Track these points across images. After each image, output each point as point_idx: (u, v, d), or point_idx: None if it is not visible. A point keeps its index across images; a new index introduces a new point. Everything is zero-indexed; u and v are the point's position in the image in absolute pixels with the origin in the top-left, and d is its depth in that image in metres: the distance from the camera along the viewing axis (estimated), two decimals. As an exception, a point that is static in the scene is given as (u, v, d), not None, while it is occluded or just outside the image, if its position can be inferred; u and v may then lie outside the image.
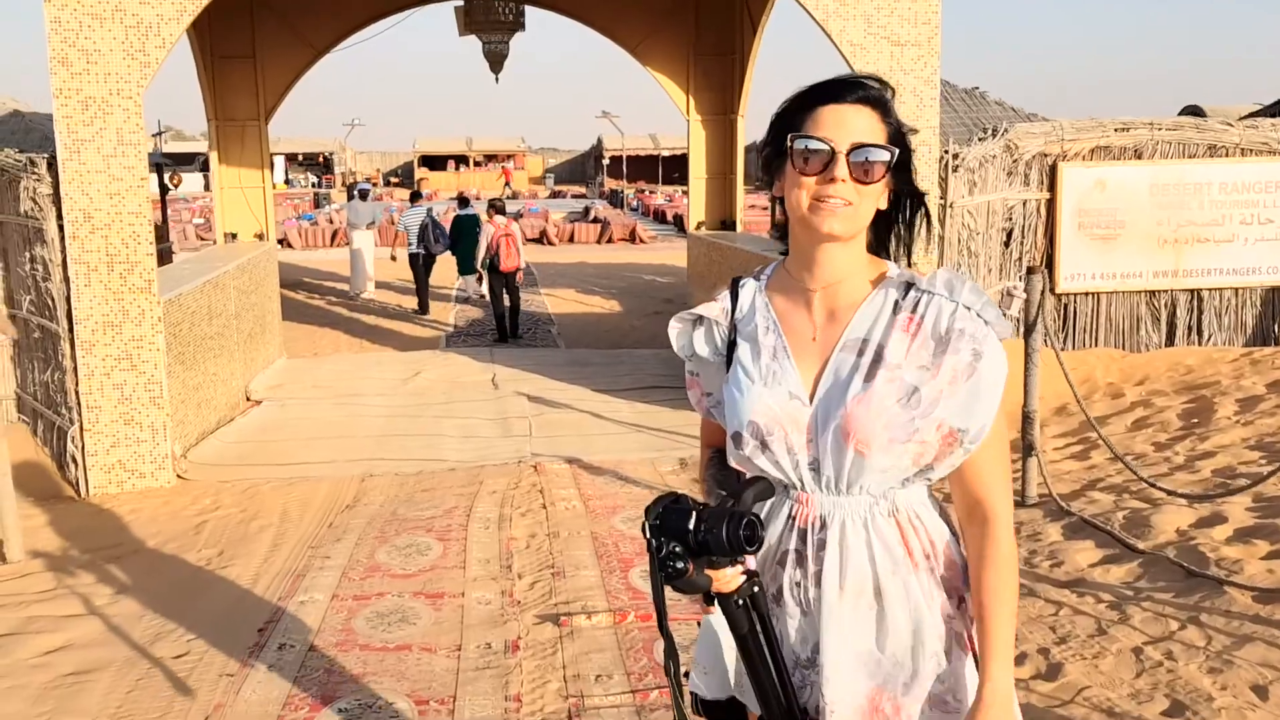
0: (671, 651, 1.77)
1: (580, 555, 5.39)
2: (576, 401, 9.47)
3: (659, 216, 35.37)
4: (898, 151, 1.80)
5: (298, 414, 9.22)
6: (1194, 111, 22.17)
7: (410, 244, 16.02)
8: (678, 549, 1.68)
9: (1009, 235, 8.99)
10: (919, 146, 7.76)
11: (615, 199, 44.54)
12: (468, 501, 6.46)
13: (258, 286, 10.69)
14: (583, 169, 69.90)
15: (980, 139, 8.57)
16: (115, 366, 7.13)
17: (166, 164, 19.01)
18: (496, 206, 14.19)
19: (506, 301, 13.60)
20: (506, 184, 53.96)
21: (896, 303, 1.84)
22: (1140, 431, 7.50)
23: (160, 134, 33.07)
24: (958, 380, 1.77)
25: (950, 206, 8.06)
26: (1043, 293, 6.00)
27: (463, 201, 17.05)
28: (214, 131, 11.43)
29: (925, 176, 7.78)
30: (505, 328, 13.52)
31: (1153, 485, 5.60)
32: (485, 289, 14.50)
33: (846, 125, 1.78)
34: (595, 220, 29.90)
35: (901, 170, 1.85)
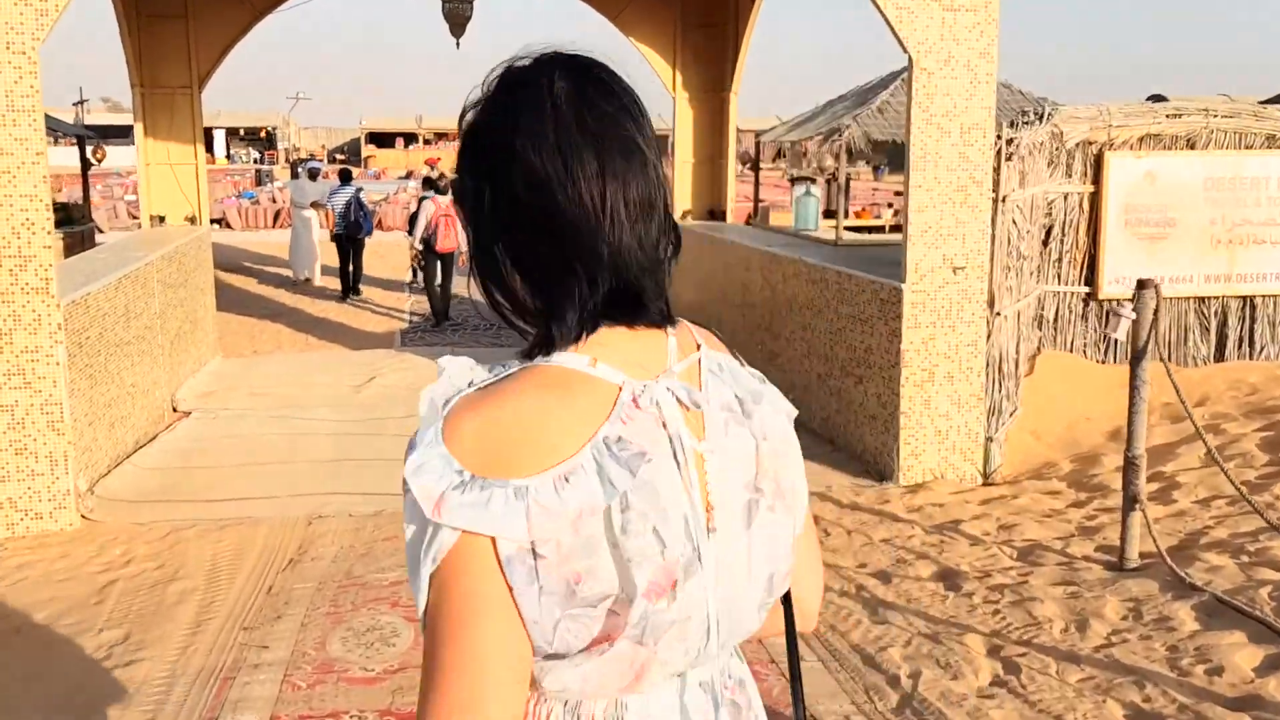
0: None
1: (594, 649, 4.20)
2: (556, 416, 8.24)
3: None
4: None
5: (231, 431, 7.91)
6: (1158, 99, 21.16)
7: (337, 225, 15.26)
8: None
9: (1048, 233, 7.92)
10: (971, 129, 6.63)
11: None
12: (441, 558, 5.24)
13: (187, 279, 9.33)
14: (535, 149, 68.31)
15: (1026, 123, 7.46)
16: (4, 384, 5.81)
17: (89, 136, 17.44)
18: (437, 187, 13.50)
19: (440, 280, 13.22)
20: (432, 169, 52.58)
21: None
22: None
23: (82, 103, 31.18)
24: None
25: (1003, 201, 6.95)
26: (1156, 311, 4.91)
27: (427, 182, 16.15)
28: (139, 100, 10.00)
29: (979, 166, 6.66)
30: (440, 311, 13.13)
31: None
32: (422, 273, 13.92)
33: None
34: (553, 203, 28.57)
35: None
